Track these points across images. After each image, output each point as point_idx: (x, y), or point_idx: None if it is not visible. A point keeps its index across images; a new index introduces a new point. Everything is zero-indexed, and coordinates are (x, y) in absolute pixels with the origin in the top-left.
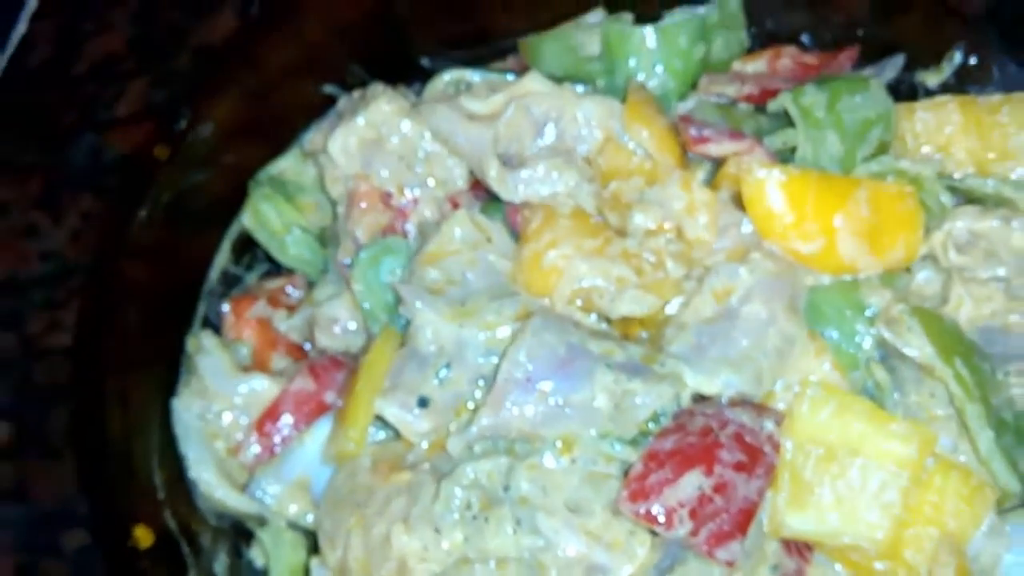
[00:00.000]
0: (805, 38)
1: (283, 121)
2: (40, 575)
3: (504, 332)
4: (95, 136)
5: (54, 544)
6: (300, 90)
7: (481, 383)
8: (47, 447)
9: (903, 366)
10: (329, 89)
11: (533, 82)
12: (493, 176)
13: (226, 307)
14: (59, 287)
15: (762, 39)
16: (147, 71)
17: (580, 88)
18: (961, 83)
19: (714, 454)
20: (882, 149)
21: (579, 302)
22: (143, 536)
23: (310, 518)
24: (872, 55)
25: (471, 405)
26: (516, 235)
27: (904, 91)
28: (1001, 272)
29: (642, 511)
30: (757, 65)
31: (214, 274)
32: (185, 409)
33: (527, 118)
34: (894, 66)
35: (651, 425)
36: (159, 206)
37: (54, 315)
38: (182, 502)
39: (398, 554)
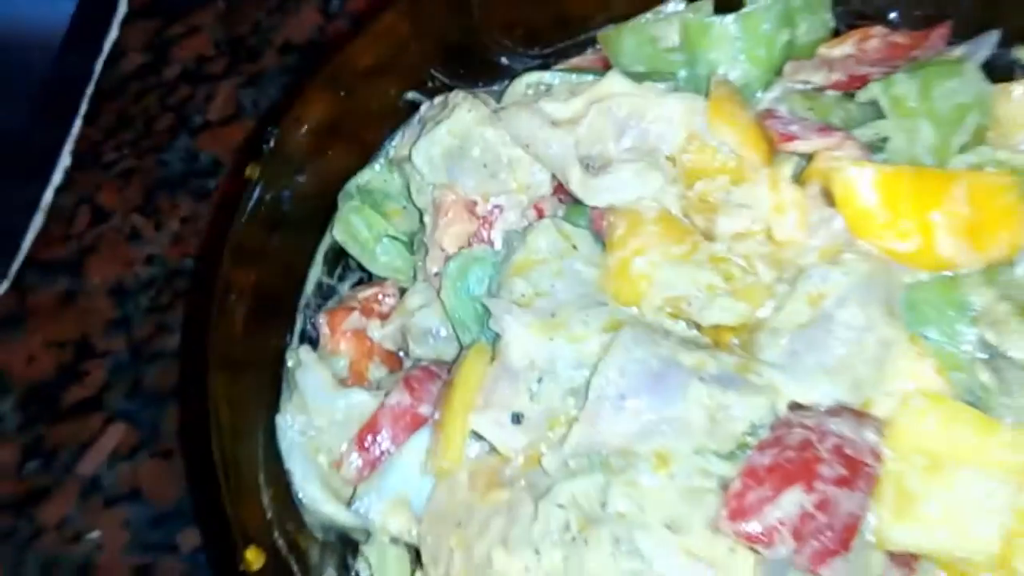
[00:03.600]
0: (893, 16)
1: (368, 128)
2: (159, 574)
3: (593, 344)
4: (189, 139)
5: (171, 543)
6: (384, 96)
7: (572, 398)
8: (160, 448)
9: (1009, 366)
10: (411, 96)
11: (613, 83)
12: (576, 182)
13: (323, 320)
14: (164, 291)
15: (848, 20)
16: (236, 72)
17: (662, 86)
18: None
19: (814, 470)
20: (978, 135)
21: (669, 310)
22: (254, 558)
23: (412, 532)
24: (965, 31)
25: (564, 419)
26: (602, 241)
27: (1000, 69)
28: None
29: (742, 530)
30: (844, 48)
31: (309, 287)
32: (288, 426)
33: (608, 120)
34: (989, 43)
35: (748, 438)
36: (257, 210)
37: (160, 318)
38: (290, 519)
39: (499, 574)
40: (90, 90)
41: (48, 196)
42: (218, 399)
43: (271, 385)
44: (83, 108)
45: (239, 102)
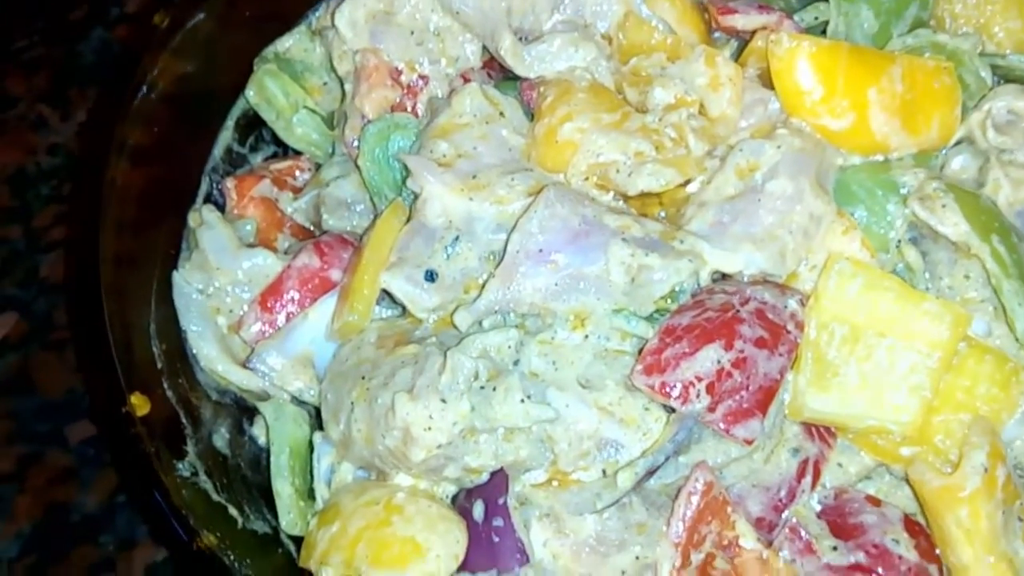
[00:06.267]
0: None
1: (290, 1)
2: (45, 465)
3: (516, 207)
4: (104, 31)
5: (59, 435)
6: None
7: (492, 259)
8: (53, 339)
9: (936, 248)
10: None
11: None
12: (506, 48)
13: (230, 183)
14: (66, 181)
15: None
16: None
17: None
18: None
19: (734, 329)
20: (918, 27)
21: (595, 179)
22: (139, 404)
23: (313, 394)
24: None
25: (481, 282)
26: (530, 113)
27: None
28: None
29: (656, 384)
30: None
31: (218, 151)
32: (186, 283)
33: None
34: None
35: (669, 302)
36: (156, 92)
37: (60, 208)
38: (182, 375)
39: (402, 424)
40: None
41: None
42: (108, 290)
43: (170, 245)
44: None
45: None
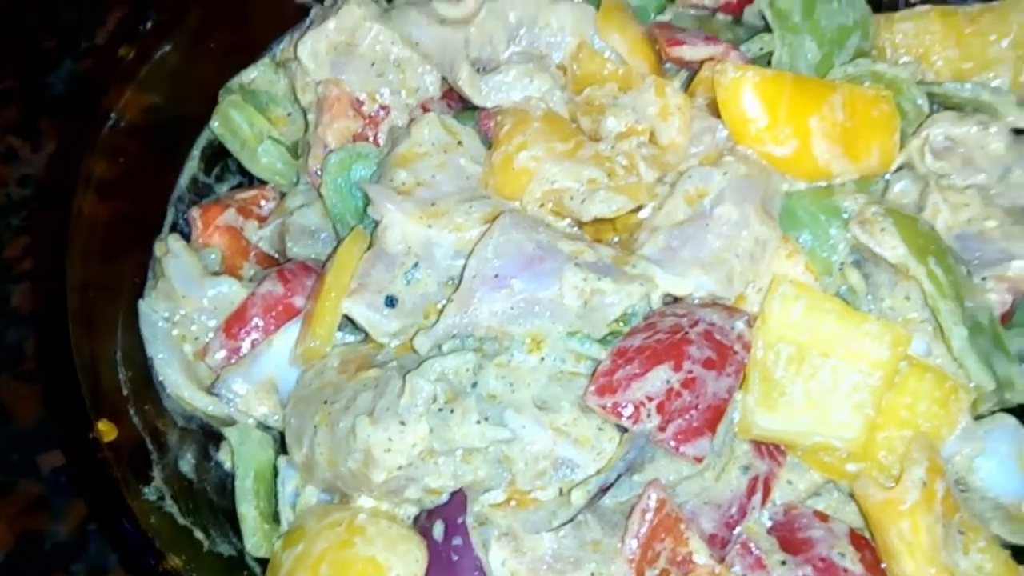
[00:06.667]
0: None
1: (256, 33)
2: (17, 494)
3: (473, 234)
4: (73, 63)
5: (30, 463)
6: (272, 1)
7: (451, 284)
8: (23, 369)
9: (877, 271)
10: None
11: None
12: (464, 79)
13: (195, 212)
14: (36, 212)
15: None
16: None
17: None
18: None
19: (683, 350)
20: (859, 57)
21: (550, 205)
22: (106, 430)
23: (278, 419)
24: None
25: (439, 307)
26: (488, 142)
27: (886, 4)
28: (978, 178)
29: (608, 404)
30: None
31: (183, 180)
32: (152, 311)
33: (500, 23)
34: None
35: (621, 325)
36: (122, 123)
37: (30, 240)
38: (148, 402)
39: (363, 446)
40: None
41: None
42: (75, 320)
43: (136, 274)
44: None
45: (131, 29)
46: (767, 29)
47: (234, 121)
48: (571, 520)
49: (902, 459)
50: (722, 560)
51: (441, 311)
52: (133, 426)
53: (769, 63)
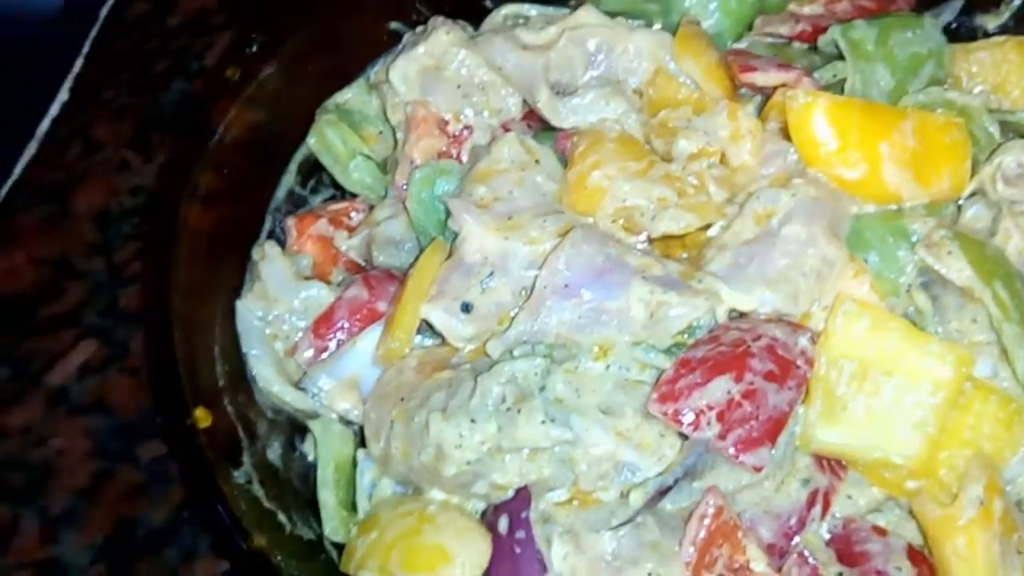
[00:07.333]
0: None
1: (351, 55)
2: (117, 481)
3: (547, 247)
4: (184, 83)
5: (130, 453)
6: (367, 27)
7: (523, 293)
8: (129, 364)
9: (945, 293)
10: (395, 26)
11: (586, 15)
12: (543, 102)
13: (291, 222)
14: (146, 219)
15: None
16: (235, 25)
17: (633, 23)
18: (1019, 25)
19: (745, 362)
20: (933, 85)
21: (622, 222)
22: (202, 417)
23: (358, 414)
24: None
25: (513, 314)
26: (564, 161)
27: (963, 34)
28: None
29: (669, 411)
30: (814, 7)
31: (281, 192)
32: (247, 311)
33: (579, 49)
34: (952, 8)
35: (686, 337)
36: (227, 138)
37: (140, 245)
38: (242, 393)
39: (435, 441)
40: (94, 32)
41: (44, 126)
42: (177, 322)
43: (235, 276)
44: (85, 48)
45: (236, 51)
46: (842, 57)
47: (329, 138)
48: (630, 520)
49: (962, 478)
50: (779, 569)
51: (513, 318)
52: (227, 415)
53: (842, 90)
